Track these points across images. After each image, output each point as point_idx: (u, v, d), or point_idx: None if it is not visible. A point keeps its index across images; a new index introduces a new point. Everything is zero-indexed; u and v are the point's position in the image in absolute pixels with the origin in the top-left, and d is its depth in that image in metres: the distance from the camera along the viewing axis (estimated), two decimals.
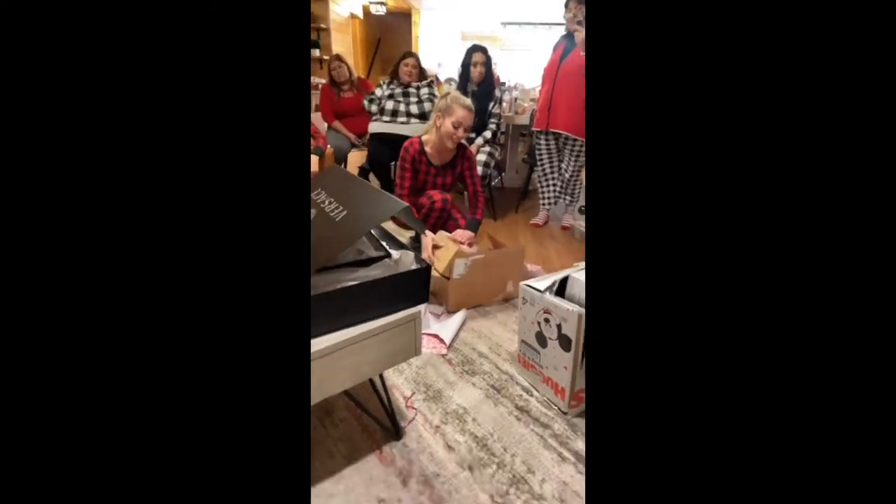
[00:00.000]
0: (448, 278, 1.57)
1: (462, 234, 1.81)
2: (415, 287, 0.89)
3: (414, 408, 1.17)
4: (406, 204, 0.85)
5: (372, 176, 2.72)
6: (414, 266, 0.89)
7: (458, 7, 5.75)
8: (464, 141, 1.83)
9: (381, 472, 0.96)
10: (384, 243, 0.96)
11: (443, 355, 1.40)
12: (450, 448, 1.04)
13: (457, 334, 1.50)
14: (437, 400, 1.20)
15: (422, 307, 0.93)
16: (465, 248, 1.69)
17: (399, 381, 1.26)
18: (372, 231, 1.01)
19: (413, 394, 1.22)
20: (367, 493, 0.91)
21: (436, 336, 1.46)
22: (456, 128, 1.70)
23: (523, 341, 1.27)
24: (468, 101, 1.73)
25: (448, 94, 1.78)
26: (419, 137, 1.83)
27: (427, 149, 1.81)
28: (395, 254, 0.94)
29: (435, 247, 1.69)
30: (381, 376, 1.14)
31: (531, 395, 1.24)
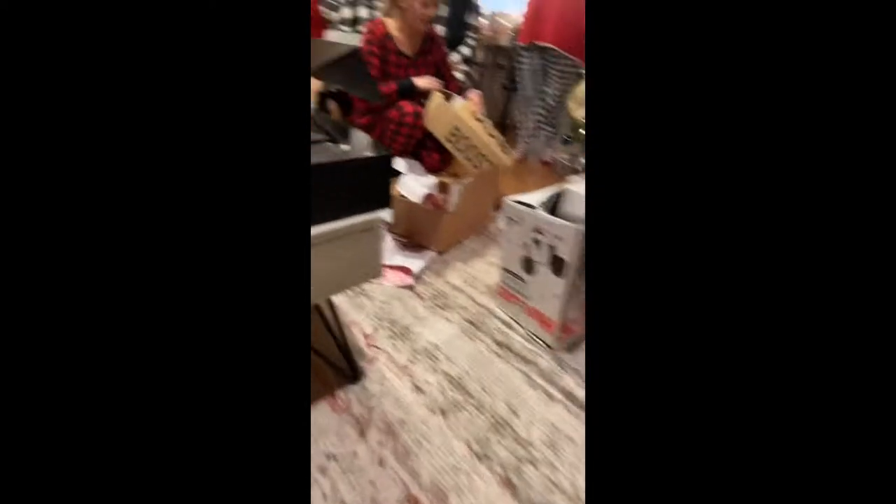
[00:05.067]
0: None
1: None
2: (372, 182, 0.66)
3: (376, 346, 0.98)
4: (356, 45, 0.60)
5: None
6: (368, 153, 0.65)
7: None
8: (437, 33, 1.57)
9: (332, 422, 0.78)
10: (326, 127, 0.71)
11: (410, 288, 1.20)
12: (418, 390, 0.87)
13: (426, 266, 1.31)
14: (404, 337, 1.02)
15: (383, 215, 0.71)
16: (472, 104, 1.42)
17: (359, 318, 1.06)
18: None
19: (376, 330, 1.03)
20: (315, 449, 0.73)
21: (401, 268, 1.25)
22: (426, 6, 1.43)
23: (506, 269, 1.09)
24: None
25: None
26: (382, 19, 1.52)
27: (394, 33, 1.50)
28: (343, 144, 0.70)
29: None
30: (332, 309, 0.94)
31: (512, 329, 1.08)
